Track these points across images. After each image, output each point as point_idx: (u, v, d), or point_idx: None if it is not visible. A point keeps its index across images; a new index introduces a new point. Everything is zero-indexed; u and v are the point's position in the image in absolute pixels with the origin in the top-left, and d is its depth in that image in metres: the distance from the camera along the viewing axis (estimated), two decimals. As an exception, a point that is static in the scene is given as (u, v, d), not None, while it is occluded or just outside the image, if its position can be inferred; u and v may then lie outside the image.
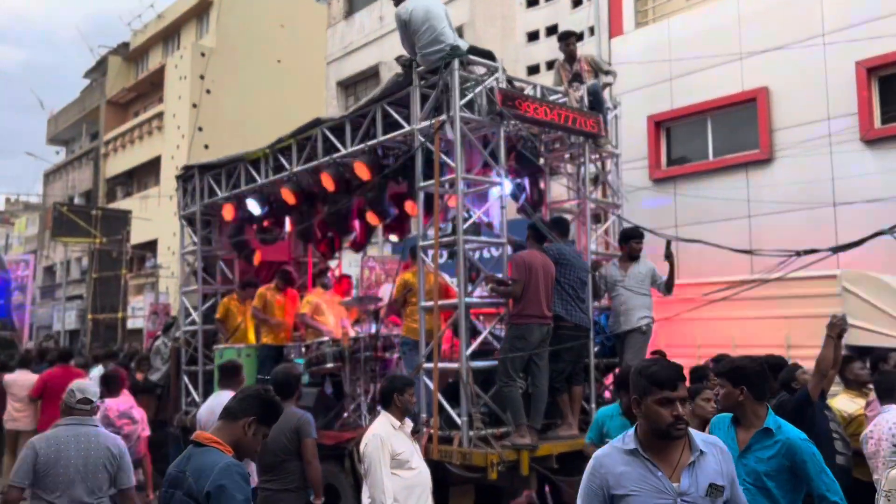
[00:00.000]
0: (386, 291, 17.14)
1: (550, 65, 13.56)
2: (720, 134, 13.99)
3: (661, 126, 14.14)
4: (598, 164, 8.23)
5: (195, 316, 10.70)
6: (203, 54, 31.91)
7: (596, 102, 7.86)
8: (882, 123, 11.88)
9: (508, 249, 7.00)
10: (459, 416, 6.42)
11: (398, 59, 7.38)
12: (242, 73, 32.27)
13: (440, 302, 6.74)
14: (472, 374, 6.47)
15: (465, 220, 6.66)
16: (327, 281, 9.01)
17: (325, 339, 8.06)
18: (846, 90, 12.14)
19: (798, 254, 7.29)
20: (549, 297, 6.66)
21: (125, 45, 38.31)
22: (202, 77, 31.57)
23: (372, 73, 21.93)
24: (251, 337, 10.00)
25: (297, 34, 33.19)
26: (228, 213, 9.91)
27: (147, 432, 7.52)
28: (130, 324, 30.29)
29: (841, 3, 12.24)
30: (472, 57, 6.86)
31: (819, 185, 12.21)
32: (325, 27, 24.55)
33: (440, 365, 6.59)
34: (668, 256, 7.36)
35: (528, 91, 7.69)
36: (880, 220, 11.55)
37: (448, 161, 6.76)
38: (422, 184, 6.98)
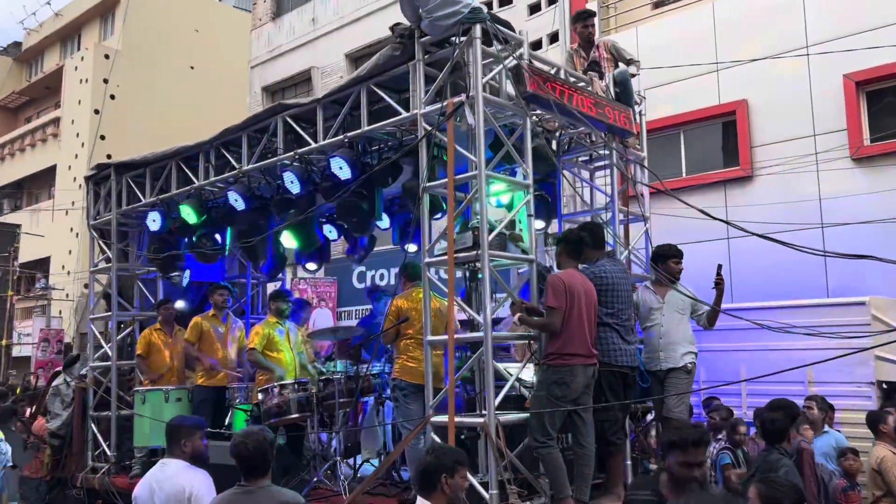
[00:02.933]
0: (324, 318, 15.36)
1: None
2: (694, 150, 13.12)
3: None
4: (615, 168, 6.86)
5: (107, 349, 8.70)
6: (107, 56, 29.38)
7: (624, 94, 6.56)
8: (872, 142, 11.22)
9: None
10: (486, 486, 4.86)
11: (393, 27, 5.84)
12: (151, 78, 29.88)
13: (440, 337, 5.25)
14: (501, 429, 4.93)
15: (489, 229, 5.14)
16: (285, 306, 7.25)
17: (289, 382, 6.34)
18: (833, 105, 11.47)
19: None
20: (593, 329, 5.22)
21: (17, 44, 35.09)
22: (106, 81, 28.94)
23: (302, 79, 20.21)
24: (180, 375, 8.12)
25: (212, 40, 31.24)
26: (154, 222, 8.04)
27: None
28: (16, 351, 27.13)
29: (826, 14, 11.59)
30: (497, 26, 5.40)
31: (805, 204, 11.42)
32: (249, 31, 22.66)
33: (458, 419, 5.02)
34: (719, 283, 6.07)
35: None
36: (872, 243, 10.78)
37: (468, 155, 5.25)
38: (428, 184, 5.44)
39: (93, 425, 8.54)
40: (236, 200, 7.13)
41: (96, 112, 27.67)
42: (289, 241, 8.86)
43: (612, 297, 5.45)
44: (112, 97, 28.66)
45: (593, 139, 6.72)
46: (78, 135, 29.24)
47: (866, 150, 11.14)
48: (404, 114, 5.80)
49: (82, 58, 30.14)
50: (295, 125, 6.69)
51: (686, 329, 6.23)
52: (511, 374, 5.26)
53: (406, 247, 8.34)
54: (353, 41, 18.65)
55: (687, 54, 12.54)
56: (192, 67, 31.35)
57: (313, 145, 6.52)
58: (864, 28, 11.04)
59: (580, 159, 7.08)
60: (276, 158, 6.82)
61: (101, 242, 8.94)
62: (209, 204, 7.98)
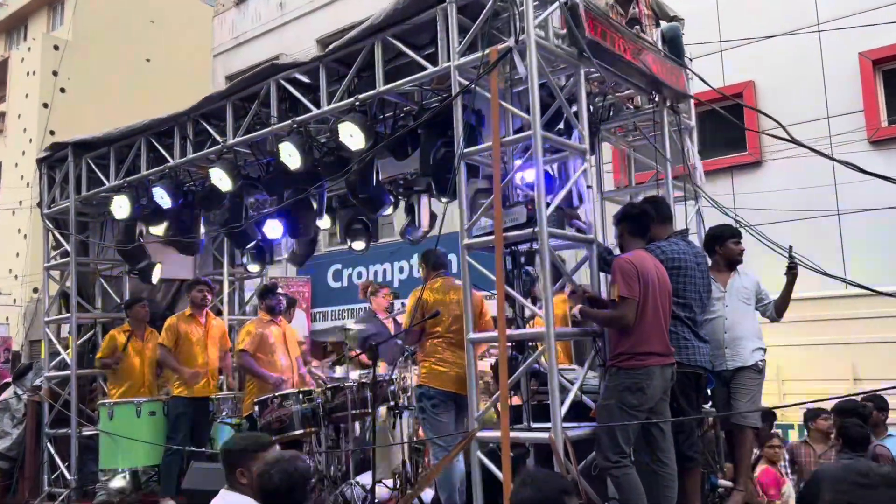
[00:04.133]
0: (298, 320, 14.30)
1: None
2: (698, 135, 12.32)
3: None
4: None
5: (65, 356, 7.56)
6: (56, 47, 27.75)
7: (675, 53, 5.71)
8: (890, 123, 10.62)
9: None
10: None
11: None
12: (104, 70, 28.36)
13: (484, 334, 4.31)
14: (570, 446, 4.01)
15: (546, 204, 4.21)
16: (275, 302, 6.21)
17: (290, 392, 5.32)
18: (848, 86, 10.86)
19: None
20: (668, 323, 4.34)
21: (-42, 35, 32.98)
22: (55, 73, 27.51)
23: (270, 67, 19.03)
24: (152, 385, 7.03)
25: (170, 31, 29.79)
26: (121, 208, 6.94)
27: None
28: (-42, 362, 25.28)
29: (839, -11, 10.96)
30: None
31: (819, 191, 10.78)
32: (209, 21, 21.43)
33: (516, 435, 4.09)
34: (791, 269, 5.23)
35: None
36: (892, 229, 10.14)
37: (517, 112, 4.33)
38: (466, 149, 4.49)
39: (49, 445, 7.41)
40: (220, 180, 6.09)
41: (45, 106, 26.19)
42: (273, 230, 7.87)
43: (685, 283, 4.57)
44: (62, 90, 27.15)
45: (638, 104, 5.85)
46: (25, 130, 27.62)
47: (884, 131, 10.54)
48: (431, 68, 4.85)
49: (29, 49, 28.48)
50: (292, 89, 5.68)
51: (752, 321, 5.40)
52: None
53: (352, 245, 7.54)
54: (325, 26, 17.59)
55: (689, 32, 11.78)
56: (147, 60, 29.91)
57: (315, 111, 5.52)
58: (882, 3, 10.42)
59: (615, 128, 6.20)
60: (268, 129, 5.81)
61: (56, 234, 7.77)
62: (185, 187, 6.93)
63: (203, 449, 6.06)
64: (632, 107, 5.92)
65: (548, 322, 4.07)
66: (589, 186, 4.55)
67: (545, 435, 4.06)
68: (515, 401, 5.25)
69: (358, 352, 5.94)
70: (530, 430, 4.42)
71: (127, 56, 28.98)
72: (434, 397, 4.88)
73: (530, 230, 4.15)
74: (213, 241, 8.83)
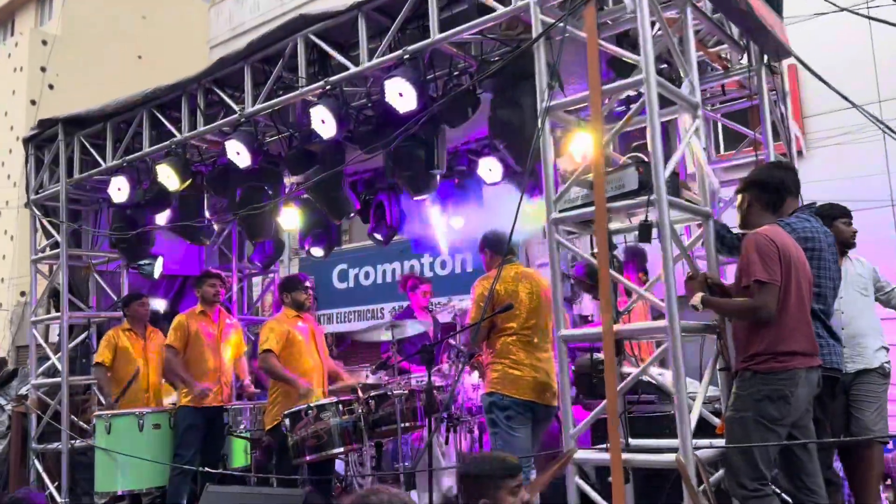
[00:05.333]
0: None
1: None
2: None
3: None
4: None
5: (55, 360, 6.66)
6: (45, 42, 26.88)
7: (773, 2, 4.89)
8: (948, 107, 9.88)
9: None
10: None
11: None
12: (94, 66, 27.44)
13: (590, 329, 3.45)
14: (704, 471, 3.16)
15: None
16: (305, 296, 5.34)
17: (327, 402, 4.44)
18: (896, 66, 10.12)
19: None
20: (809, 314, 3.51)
21: (-58, 31, 32.00)
22: (43, 69, 26.64)
23: (270, 59, 18.19)
24: (158, 393, 6.16)
25: (162, 27, 28.90)
26: (120, 191, 6.06)
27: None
28: (-59, 370, 24.23)
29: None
30: None
31: (870, 180, 10.02)
32: (203, 16, 20.58)
33: (630, 456, 3.24)
34: None
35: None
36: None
37: (631, 56, 3.50)
38: (553, 102, 3.64)
39: (36, 461, 6.50)
40: (238, 154, 5.22)
41: (33, 103, 25.24)
42: (290, 220, 7.04)
43: (818, 268, 3.71)
44: (50, 87, 26.28)
45: (727, 64, 5.03)
46: (12, 128, 26.71)
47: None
48: (501, 8, 4.01)
49: (16, 44, 27.57)
50: (325, 45, 4.83)
51: (872, 315, 4.58)
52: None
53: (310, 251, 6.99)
54: (328, 15, 16.75)
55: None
56: (139, 57, 29.05)
57: (353, 69, 4.66)
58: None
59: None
60: (296, 93, 4.95)
61: (45, 222, 6.87)
62: (193, 168, 6.07)
63: (217, 470, 5.19)
64: (719, 67, 5.09)
65: (671, 309, 3.23)
66: (704, 148, 3.70)
67: (667, 458, 3.21)
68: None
69: (399, 357, 5.08)
70: (629, 448, 3.59)
71: (118, 52, 28.15)
72: (509, 407, 4.02)
73: (644, 198, 3.31)
74: (219, 233, 7.97)
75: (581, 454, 3.43)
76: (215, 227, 7.05)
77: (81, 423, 6.57)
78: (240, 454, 5.88)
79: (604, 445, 3.58)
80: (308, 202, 6.69)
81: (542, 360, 4.15)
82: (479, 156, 6.06)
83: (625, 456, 3.28)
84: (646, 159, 3.47)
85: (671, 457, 3.18)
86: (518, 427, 4.02)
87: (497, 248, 4.40)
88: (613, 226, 3.70)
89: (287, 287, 5.39)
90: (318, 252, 7.24)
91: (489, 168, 5.97)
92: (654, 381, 3.79)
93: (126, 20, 28.83)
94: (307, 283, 5.40)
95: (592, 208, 3.44)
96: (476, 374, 4.98)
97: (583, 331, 3.78)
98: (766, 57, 4.77)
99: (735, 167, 5.65)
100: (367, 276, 14.90)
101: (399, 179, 5.01)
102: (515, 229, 3.76)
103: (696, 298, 3.45)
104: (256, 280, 9.09)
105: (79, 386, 6.75)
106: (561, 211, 3.64)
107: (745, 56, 4.90)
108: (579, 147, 4.06)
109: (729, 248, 3.95)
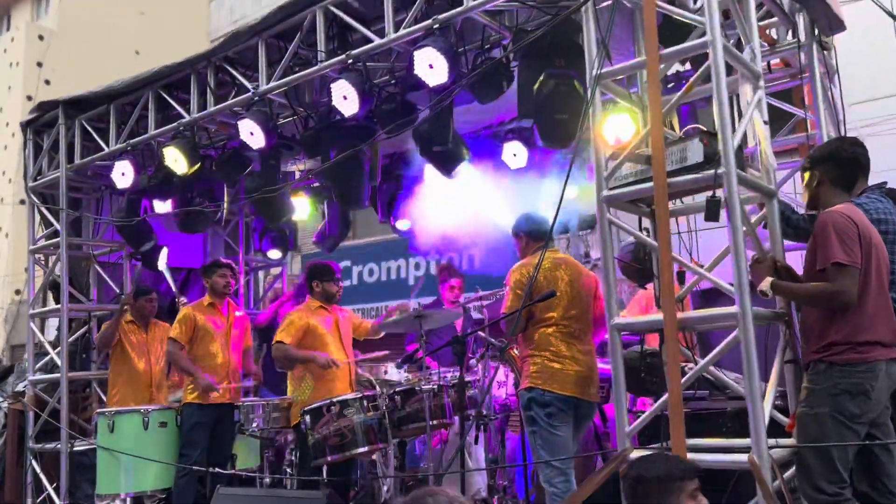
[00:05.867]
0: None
1: None
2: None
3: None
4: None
5: (54, 355, 6.33)
6: (42, 37, 26.51)
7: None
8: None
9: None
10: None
11: None
12: (91, 62, 27.01)
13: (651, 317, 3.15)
14: (779, 472, 2.86)
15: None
16: (336, 288, 5.03)
17: (351, 397, 4.13)
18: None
19: None
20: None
21: (-63, 26, 31.62)
22: (40, 64, 26.34)
23: (273, 52, 17.89)
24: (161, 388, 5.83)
25: (160, 23, 28.54)
26: (124, 176, 5.75)
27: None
28: (-65, 368, 23.85)
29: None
30: None
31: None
32: (201, 12, 20.26)
33: (700, 457, 2.94)
34: None
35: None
36: None
37: (696, 18, 3.20)
38: (606, 69, 3.34)
39: (33, 461, 6.18)
40: (252, 134, 4.90)
41: (29, 98, 24.96)
42: (301, 209, 6.74)
43: (892, 252, 3.42)
44: (47, 82, 26.05)
45: (773, 38, 4.73)
46: (8, 124, 26.27)
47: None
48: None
49: (12, 38, 27.18)
50: (346, 16, 4.52)
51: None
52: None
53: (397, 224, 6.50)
54: (333, 7, 16.46)
55: None
56: (137, 52, 28.67)
57: (377, 41, 4.36)
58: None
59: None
60: (315, 68, 4.64)
61: (44, 210, 6.54)
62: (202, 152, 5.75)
63: (227, 471, 4.86)
64: (765, 43, 4.78)
65: (742, 301, 2.92)
66: (766, 122, 3.40)
67: (739, 458, 2.90)
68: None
69: (422, 351, 4.76)
70: (737, 450, 3.27)
71: (115, 47, 27.75)
72: (550, 404, 3.70)
73: (711, 172, 3.01)
74: (226, 223, 7.66)
75: (639, 453, 3.11)
76: (224, 213, 6.72)
77: (81, 421, 6.25)
78: (246, 454, 5.55)
79: (656, 445, 3.30)
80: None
81: (584, 352, 3.84)
82: (503, 140, 5.74)
83: (690, 456, 2.97)
84: (707, 131, 3.17)
85: (742, 457, 2.87)
86: (559, 425, 3.71)
87: (534, 234, 4.09)
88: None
89: (318, 275, 5.06)
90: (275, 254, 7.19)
91: (513, 153, 5.65)
92: (709, 377, 3.49)
93: (124, 15, 28.49)
94: (337, 275, 5.09)
95: (649, 184, 3.14)
96: (500, 370, 4.68)
97: (644, 318, 3.47)
98: (816, 31, 4.47)
99: (780, 152, 5.33)
100: (371, 272, 14.56)
101: (429, 156, 4.69)
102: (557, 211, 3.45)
103: (766, 283, 3.15)
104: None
105: (79, 382, 6.43)
106: (613, 188, 3.33)
107: (791, 33, 4.61)
108: (619, 125, 3.77)
109: (795, 228, 3.64)
